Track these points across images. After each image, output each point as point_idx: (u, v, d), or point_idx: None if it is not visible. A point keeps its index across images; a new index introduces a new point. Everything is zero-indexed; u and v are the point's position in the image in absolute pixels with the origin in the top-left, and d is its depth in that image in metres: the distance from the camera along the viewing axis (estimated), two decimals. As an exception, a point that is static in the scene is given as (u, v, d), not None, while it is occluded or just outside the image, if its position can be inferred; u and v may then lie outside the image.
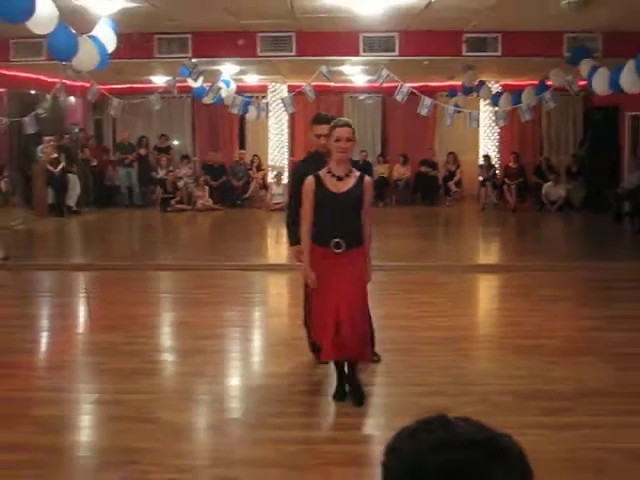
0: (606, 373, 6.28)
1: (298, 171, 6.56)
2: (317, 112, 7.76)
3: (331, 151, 5.57)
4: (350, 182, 5.47)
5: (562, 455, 4.63)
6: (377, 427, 5.35)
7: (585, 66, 11.73)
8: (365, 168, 5.71)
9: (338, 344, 5.47)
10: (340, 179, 5.47)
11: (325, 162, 5.86)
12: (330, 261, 5.46)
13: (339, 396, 5.65)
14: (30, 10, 7.02)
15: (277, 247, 14.89)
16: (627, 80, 10.27)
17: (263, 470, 4.52)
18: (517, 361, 6.64)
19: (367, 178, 5.57)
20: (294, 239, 6.40)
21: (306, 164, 6.33)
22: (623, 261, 11.93)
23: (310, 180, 5.52)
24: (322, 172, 5.52)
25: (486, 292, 10.57)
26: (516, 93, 14.79)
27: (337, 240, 5.42)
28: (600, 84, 11.24)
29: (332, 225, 5.46)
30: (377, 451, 4.58)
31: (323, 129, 6.09)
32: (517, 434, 1.23)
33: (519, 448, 1.19)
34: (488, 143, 20.15)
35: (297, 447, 4.83)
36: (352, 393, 5.64)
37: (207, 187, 18.78)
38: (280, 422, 5.27)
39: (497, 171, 19.46)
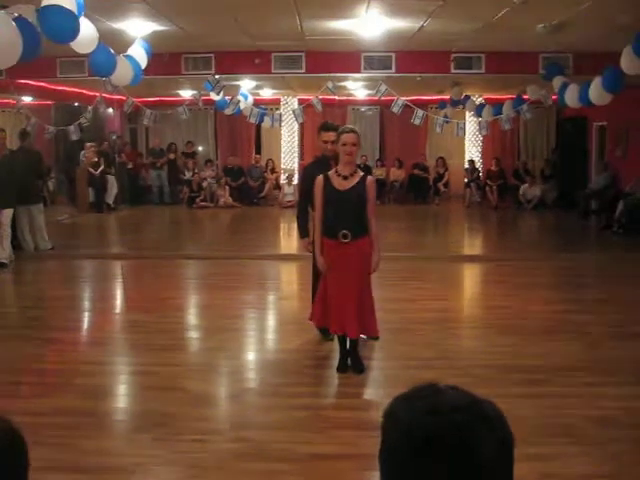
0: (576, 349, 6.27)
1: (306, 173, 6.58)
2: (324, 121, 7.74)
3: (339, 154, 5.57)
4: (354, 180, 5.48)
5: (537, 421, 4.62)
6: (375, 395, 5.35)
7: (557, 82, 11.68)
8: (365, 171, 5.70)
9: (343, 322, 5.49)
10: (345, 178, 5.47)
11: (330, 165, 5.86)
12: (339, 251, 5.49)
13: (342, 368, 5.66)
14: (75, 32, 7.00)
15: (289, 239, 14.87)
16: (594, 94, 10.23)
17: (275, 433, 4.51)
18: (498, 339, 6.63)
19: (369, 177, 5.57)
20: (303, 232, 6.43)
21: (313, 167, 6.33)
22: (590, 253, 11.89)
23: (320, 179, 5.55)
24: (331, 172, 5.55)
25: (470, 279, 10.55)
26: (497, 106, 14.75)
27: (344, 232, 5.43)
28: (571, 98, 11.19)
29: (339, 219, 5.48)
30: (376, 416, 4.57)
31: (329, 136, 6.11)
32: (498, 402, 1.22)
33: (501, 412, 1.19)
34: (472, 149, 20.09)
35: (305, 413, 4.83)
36: (353, 365, 5.65)
37: (227, 187, 18.77)
38: (291, 391, 5.27)
39: (480, 174, 19.41)
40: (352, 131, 5.49)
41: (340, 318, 5.51)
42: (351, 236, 5.44)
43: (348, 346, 5.70)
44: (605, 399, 5.06)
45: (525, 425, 4.37)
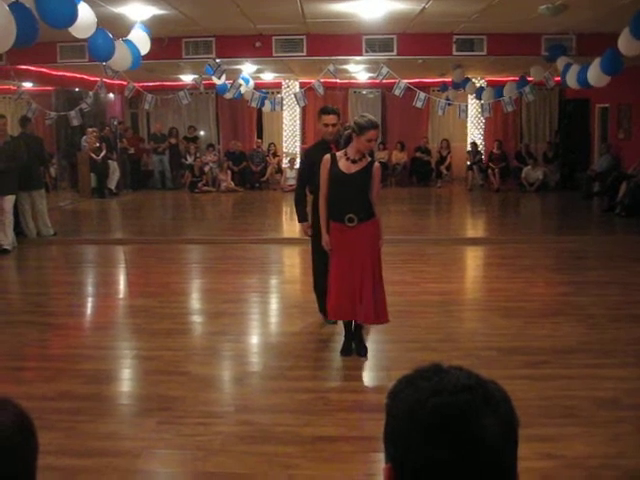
0: (578, 331, 6.28)
1: (306, 156, 6.58)
2: (324, 105, 7.73)
3: (339, 138, 5.57)
4: (361, 165, 5.47)
5: (539, 402, 4.64)
6: (378, 378, 5.37)
7: (562, 63, 11.62)
8: (368, 155, 5.68)
9: (355, 308, 5.49)
10: (354, 162, 5.46)
11: (330, 149, 5.84)
12: (344, 235, 5.49)
13: (346, 351, 5.67)
14: (73, 17, 6.98)
15: (291, 223, 14.87)
16: (593, 76, 10.18)
17: (279, 415, 4.53)
18: (500, 321, 6.64)
19: (376, 163, 5.56)
20: (302, 216, 6.43)
21: (314, 150, 6.33)
22: (592, 235, 11.88)
23: (327, 158, 5.55)
24: (339, 154, 5.53)
25: (473, 262, 10.55)
26: (499, 88, 14.69)
27: (350, 215, 5.44)
28: (573, 79, 11.13)
29: (345, 202, 5.48)
30: (378, 398, 4.59)
31: (330, 119, 6.09)
32: (501, 384, 1.22)
33: (505, 393, 1.19)
34: (475, 132, 20.03)
35: (308, 395, 4.85)
36: (357, 347, 5.67)
37: (229, 171, 18.75)
38: (294, 374, 5.29)
39: (482, 156, 19.35)
40: (377, 126, 5.46)
41: (352, 304, 5.50)
42: (357, 220, 5.44)
43: (353, 329, 5.71)
44: (607, 380, 5.08)
45: (527, 406, 4.39)
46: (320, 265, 6.13)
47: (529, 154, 18.94)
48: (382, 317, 5.64)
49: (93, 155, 16.99)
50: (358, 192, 5.46)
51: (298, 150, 19.75)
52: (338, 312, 5.62)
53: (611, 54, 9.45)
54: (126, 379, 5.52)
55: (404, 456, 1.16)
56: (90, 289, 8.93)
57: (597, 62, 9.96)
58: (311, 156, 6.17)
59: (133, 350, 6.03)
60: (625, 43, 8.29)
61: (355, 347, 5.69)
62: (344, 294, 5.50)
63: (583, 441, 4.11)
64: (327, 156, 5.57)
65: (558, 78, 12.36)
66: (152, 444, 4.15)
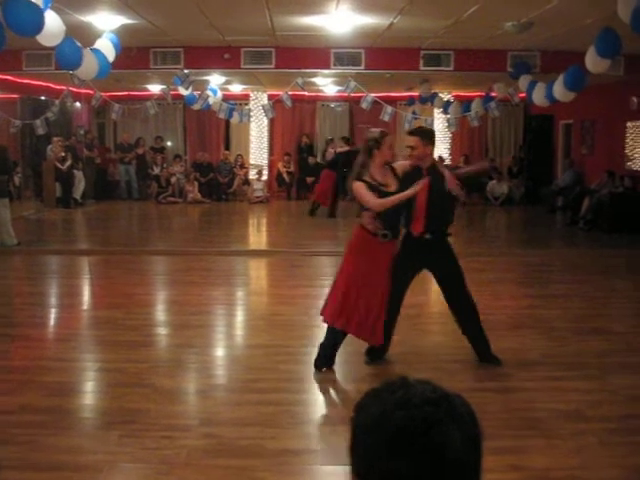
0: (541, 344, 6.34)
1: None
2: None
3: (378, 158, 5.45)
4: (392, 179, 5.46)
5: (503, 415, 4.67)
6: (345, 391, 5.36)
7: (525, 80, 11.80)
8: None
9: (372, 327, 5.49)
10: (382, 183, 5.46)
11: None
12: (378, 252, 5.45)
13: (330, 363, 5.63)
14: (40, 26, 6.91)
15: (257, 235, 14.87)
16: (558, 92, 10.37)
17: (244, 428, 4.50)
18: (465, 334, 6.67)
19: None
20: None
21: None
22: (556, 248, 12.04)
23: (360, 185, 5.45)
24: (366, 179, 5.42)
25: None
26: (466, 103, 14.86)
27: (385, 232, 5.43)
28: (538, 96, 11.31)
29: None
30: (345, 412, 4.59)
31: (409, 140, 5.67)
32: (465, 396, 1.23)
33: (470, 407, 1.20)
34: (441, 146, 20.14)
35: (274, 408, 4.82)
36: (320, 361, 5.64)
37: (196, 183, 18.65)
38: (259, 387, 5.26)
39: (449, 170, 19.48)
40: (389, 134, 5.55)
41: (368, 322, 5.46)
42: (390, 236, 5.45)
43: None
44: (570, 393, 5.13)
45: (492, 419, 4.41)
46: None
47: (494, 168, 19.15)
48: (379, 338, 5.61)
49: (58, 164, 16.79)
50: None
51: (266, 162, 19.73)
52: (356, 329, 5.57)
53: (574, 71, 9.62)
54: (89, 392, 5.44)
55: (367, 469, 1.16)
56: (54, 300, 8.79)
57: (561, 79, 10.14)
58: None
59: (97, 362, 5.95)
60: (591, 60, 8.45)
61: (318, 359, 5.65)
62: (360, 308, 5.45)
63: (547, 453, 4.14)
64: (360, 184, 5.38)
65: (523, 94, 12.55)
66: (115, 458, 4.08)
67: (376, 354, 5.76)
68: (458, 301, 5.74)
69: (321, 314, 5.68)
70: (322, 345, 5.65)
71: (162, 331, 7.14)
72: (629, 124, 14.46)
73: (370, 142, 5.41)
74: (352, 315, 5.44)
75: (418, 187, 5.22)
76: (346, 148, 15.44)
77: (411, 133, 5.66)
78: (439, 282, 5.85)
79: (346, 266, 5.54)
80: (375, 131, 5.57)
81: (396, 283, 5.56)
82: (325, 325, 5.69)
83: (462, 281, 5.71)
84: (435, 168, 5.57)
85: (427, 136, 5.64)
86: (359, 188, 5.35)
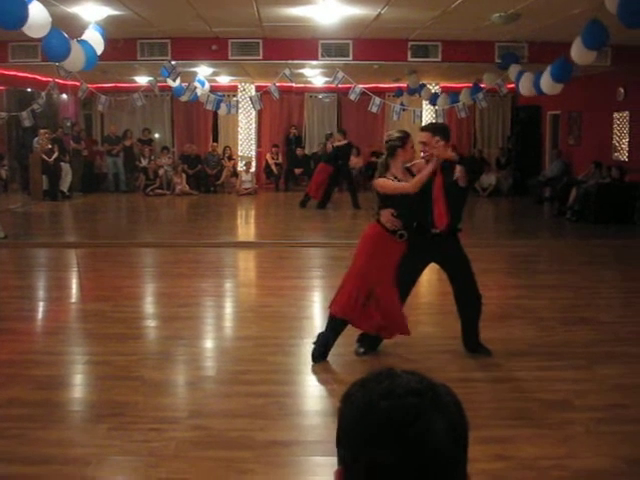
0: (529, 334, 6.38)
1: None
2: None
3: (401, 157, 5.54)
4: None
5: (491, 404, 4.70)
6: (333, 383, 5.36)
7: (514, 71, 11.81)
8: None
9: (396, 322, 5.56)
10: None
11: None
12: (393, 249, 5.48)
13: (324, 356, 5.62)
14: (23, 19, 6.85)
15: (246, 227, 14.85)
16: (545, 84, 10.39)
17: (233, 420, 4.51)
18: (454, 325, 6.65)
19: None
20: None
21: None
22: (544, 239, 12.09)
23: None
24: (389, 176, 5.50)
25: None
26: (453, 94, 14.87)
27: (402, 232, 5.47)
28: (525, 87, 11.32)
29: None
30: (334, 403, 4.61)
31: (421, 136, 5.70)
32: (454, 387, 1.23)
33: (455, 396, 1.20)
34: (429, 137, 20.18)
35: (263, 400, 4.83)
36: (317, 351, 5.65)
37: (184, 175, 18.59)
38: (248, 378, 5.27)
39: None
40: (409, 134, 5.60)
41: (392, 318, 5.51)
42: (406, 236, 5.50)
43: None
44: (557, 382, 5.16)
45: (479, 408, 4.43)
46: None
47: (482, 160, 19.18)
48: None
49: (45, 157, 16.69)
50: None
51: (254, 154, 19.69)
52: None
53: (560, 62, 9.64)
54: (77, 385, 5.43)
55: (353, 458, 1.16)
56: (41, 293, 8.76)
57: (548, 70, 10.15)
58: None
59: (85, 355, 5.93)
60: (577, 52, 8.46)
61: (316, 349, 5.64)
62: (384, 304, 5.51)
63: (534, 442, 4.16)
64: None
65: (511, 85, 12.57)
66: (103, 451, 4.08)
67: (370, 345, 5.77)
68: (466, 296, 5.77)
69: (329, 307, 5.69)
70: (322, 335, 5.65)
71: (150, 323, 7.13)
72: (616, 115, 14.52)
73: (394, 142, 5.46)
74: (362, 311, 5.48)
75: (435, 163, 5.40)
76: (344, 142, 15.42)
77: (423, 129, 5.67)
78: (449, 277, 5.88)
79: (359, 261, 5.56)
80: (394, 132, 5.62)
81: (405, 277, 5.62)
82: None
83: (471, 276, 5.75)
84: (448, 163, 5.58)
85: (439, 131, 5.63)
86: (386, 182, 5.42)
